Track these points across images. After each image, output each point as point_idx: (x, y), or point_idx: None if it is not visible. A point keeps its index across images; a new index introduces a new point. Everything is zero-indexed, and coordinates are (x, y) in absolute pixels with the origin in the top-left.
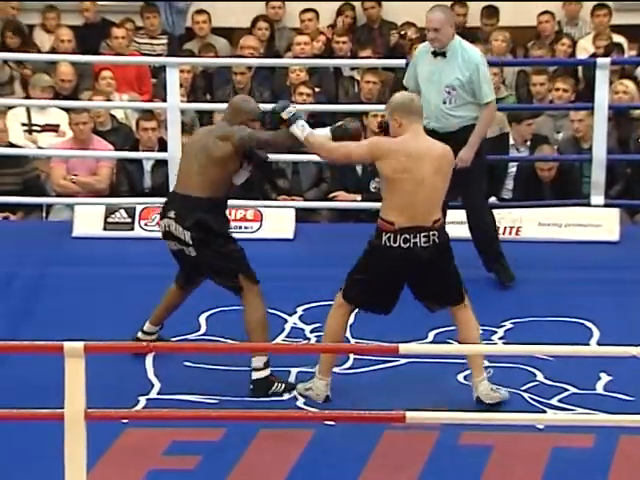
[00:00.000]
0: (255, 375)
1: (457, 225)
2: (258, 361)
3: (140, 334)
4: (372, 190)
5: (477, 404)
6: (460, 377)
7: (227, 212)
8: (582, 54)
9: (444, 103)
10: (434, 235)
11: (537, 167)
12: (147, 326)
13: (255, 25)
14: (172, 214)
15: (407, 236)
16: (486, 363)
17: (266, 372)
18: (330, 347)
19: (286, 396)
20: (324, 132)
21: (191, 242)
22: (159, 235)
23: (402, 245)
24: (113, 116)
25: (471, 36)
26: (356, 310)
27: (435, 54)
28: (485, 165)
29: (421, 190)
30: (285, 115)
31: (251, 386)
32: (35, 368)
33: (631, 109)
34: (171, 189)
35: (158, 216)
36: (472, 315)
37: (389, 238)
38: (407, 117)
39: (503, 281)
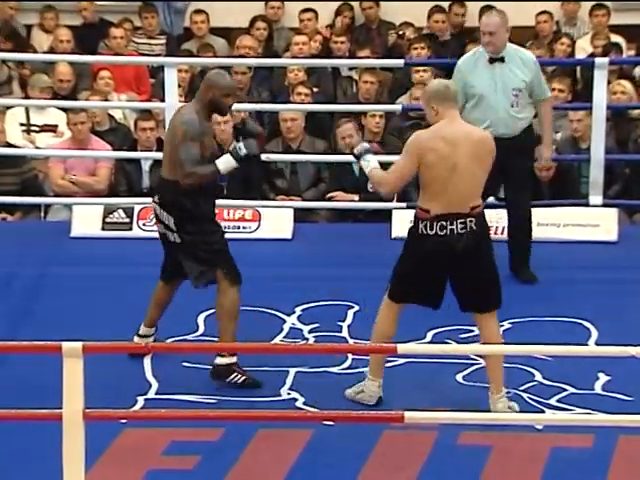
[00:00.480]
0: (218, 360)
1: None
2: (222, 359)
3: (136, 338)
4: (370, 190)
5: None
6: (459, 377)
7: (210, 198)
8: (580, 54)
9: (512, 107)
10: (471, 222)
11: (535, 167)
12: (142, 329)
13: (253, 25)
14: (157, 198)
15: (443, 223)
16: (483, 362)
17: (230, 360)
18: (326, 347)
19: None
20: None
21: (175, 228)
22: (157, 235)
23: (439, 232)
24: (111, 116)
25: (470, 36)
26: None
27: (492, 60)
28: None
29: (457, 176)
30: (356, 151)
31: (211, 369)
32: (34, 368)
33: (629, 109)
34: None
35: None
36: (499, 328)
37: (425, 226)
38: (443, 104)
39: (525, 280)
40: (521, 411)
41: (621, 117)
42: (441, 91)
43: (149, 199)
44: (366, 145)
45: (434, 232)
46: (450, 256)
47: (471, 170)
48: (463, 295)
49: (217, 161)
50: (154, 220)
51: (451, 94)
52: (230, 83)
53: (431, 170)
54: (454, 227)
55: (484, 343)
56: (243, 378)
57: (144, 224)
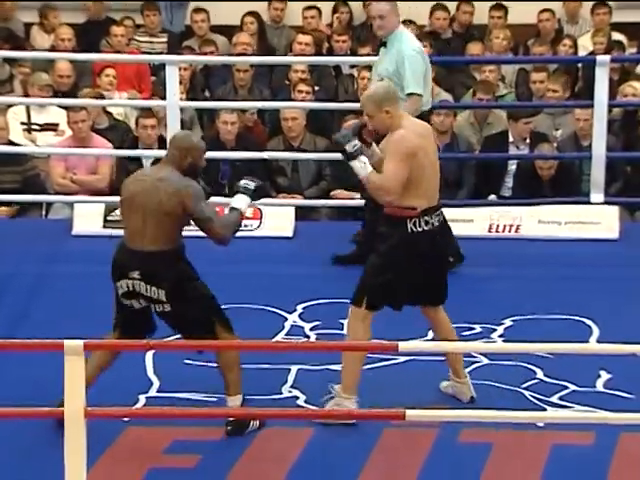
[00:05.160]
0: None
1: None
2: (236, 400)
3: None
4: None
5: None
6: None
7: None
8: (582, 52)
9: None
10: (441, 213)
11: (537, 165)
12: None
13: (244, 22)
14: (137, 274)
15: (427, 218)
16: (484, 360)
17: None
18: (328, 345)
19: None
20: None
21: (165, 299)
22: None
23: (425, 228)
24: (109, 113)
25: (478, 33)
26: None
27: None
28: None
29: (432, 169)
30: (349, 148)
31: (228, 427)
32: (35, 366)
33: (632, 106)
34: None
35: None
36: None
37: (415, 223)
38: (393, 105)
39: None
40: (522, 409)
41: (631, 118)
42: (390, 93)
43: None
44: (358, 143)
45: (422, 228)
46: (433, 250)
47: (436, 162)
48: (428, 290)
49: (233, 205)
50: (122, 299)
51: (397, 93)
52: (202, 142)
53: (421, 168)
54: (433, 220)
55: (443, 336)
56: (258, 423)
57: None
